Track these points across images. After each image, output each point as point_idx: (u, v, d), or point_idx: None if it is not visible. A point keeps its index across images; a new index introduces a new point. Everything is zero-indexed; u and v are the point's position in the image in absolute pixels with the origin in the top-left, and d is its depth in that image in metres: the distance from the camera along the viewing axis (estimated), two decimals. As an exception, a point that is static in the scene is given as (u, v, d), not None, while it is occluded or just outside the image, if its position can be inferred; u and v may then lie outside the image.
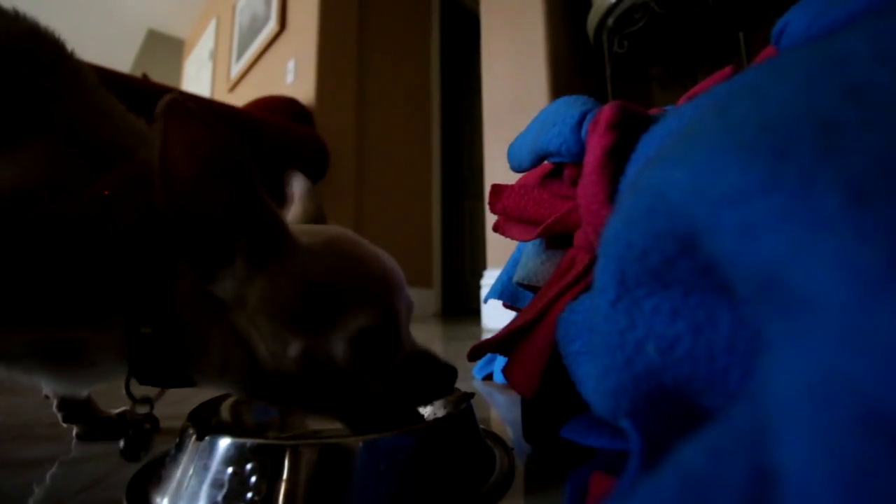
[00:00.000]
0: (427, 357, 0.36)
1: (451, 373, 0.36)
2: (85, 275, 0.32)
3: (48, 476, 0.37)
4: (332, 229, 0.38)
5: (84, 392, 0.38)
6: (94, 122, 0.35)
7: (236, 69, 3.17)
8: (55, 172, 0.32)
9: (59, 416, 0.45)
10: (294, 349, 0.31)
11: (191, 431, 0.30)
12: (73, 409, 0.45)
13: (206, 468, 0.28)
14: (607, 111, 0.33)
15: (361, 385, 0.33)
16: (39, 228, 0.31)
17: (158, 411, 0.49)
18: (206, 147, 0.28)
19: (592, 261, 0.34)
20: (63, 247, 0.31)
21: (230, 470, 0.27)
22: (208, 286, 0.31)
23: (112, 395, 0.64)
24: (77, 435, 0.45)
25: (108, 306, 0.32)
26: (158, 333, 0.32)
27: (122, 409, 0.47)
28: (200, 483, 0.28)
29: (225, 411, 0.39)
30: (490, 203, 0.45)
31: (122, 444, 0.35)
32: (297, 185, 0.45)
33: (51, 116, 0.34)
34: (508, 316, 0.48)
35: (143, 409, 0.36)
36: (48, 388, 0.38)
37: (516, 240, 0.45)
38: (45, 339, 0.33)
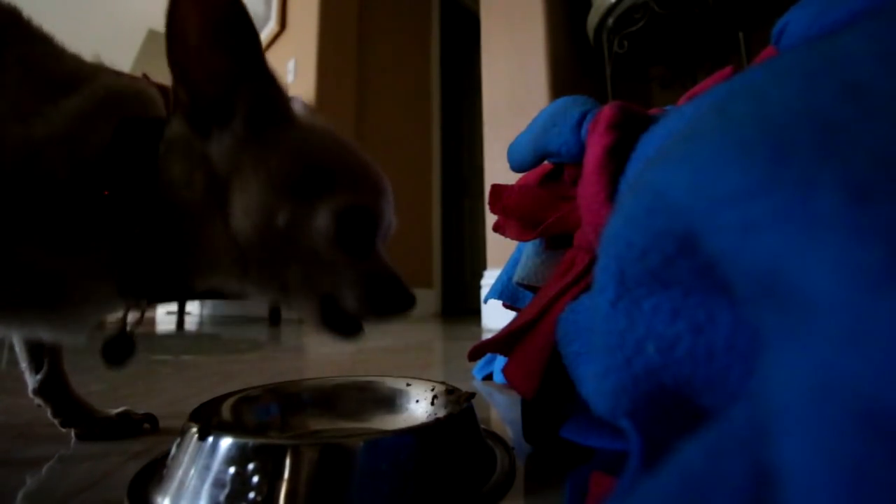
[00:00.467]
0: (394, 277, 0.37)
1: (410, 299, 0.37)
2: (67, 192, 0.32)
3: (49, 475, 0.37)
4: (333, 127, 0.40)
5: (82, 336, 0.38)
6: (48, 60, 0.36)
7: (236, 69, 3.16)
8: (18, 102, 0.33)
9: (57, 422, 0.45)
10: (282, 218, 0.32)
11: (192, 431, 0.30)
12: (69, 413, 0.45)
13: (207, 468, 0.28)
14: (607, 111, 0.33)
15: (336, 269, 0.34)
16: (12, 152, 0.31)
17: (158, 411, 0.49)
18: (219, 9, 0.30)
19: (592, 261, 0.34)
20: (40, 166, 0.31)
21: (232, 470, 0.27)
22: (204, 142, 0.33)
23: (112, 395, 0.64)
24: (77, 435, 0.45)
25: (94, 221, 0.33)
26: (148, 231, 0.33)
27: (122, 409, 0.47)
28: (202, 483, 0.28)
29: (226, 411, 0.39)
30: (490, 203, 0.45)
31: (102, 347, 0.36)
32: (296, 106, 0.48)
33: (2, 60, 0.34)
34: (508, 316, 0.48)
35: (134, 316, 0.36)
36: (49, 337, 0.38)
37: (516, 240, 0.45)
38: (36, 277, 0.33)
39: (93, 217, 0.33)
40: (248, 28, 0.31)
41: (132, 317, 0.37)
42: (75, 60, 0.38)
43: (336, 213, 0.33)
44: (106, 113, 0.34)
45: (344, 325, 0.36)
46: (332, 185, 0.34)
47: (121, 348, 0.36)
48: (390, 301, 0.36)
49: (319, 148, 0.35)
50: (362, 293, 0.35)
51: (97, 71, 0.38)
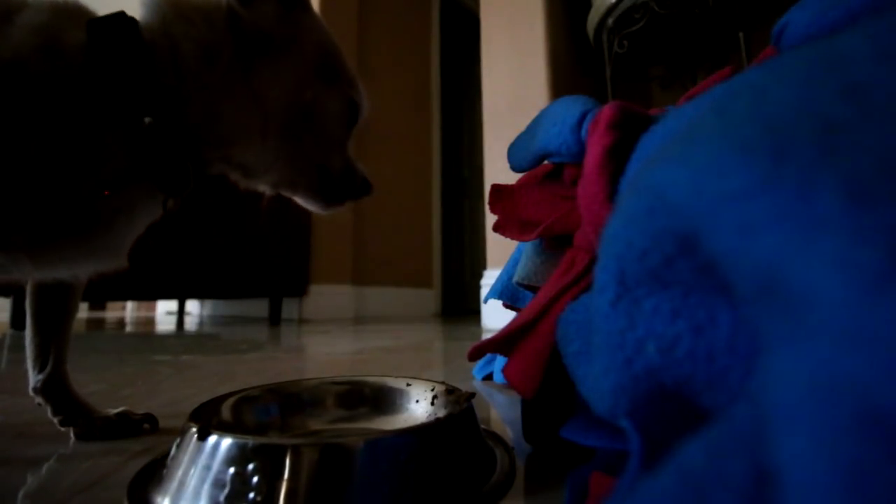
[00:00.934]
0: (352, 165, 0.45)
1: (368, 184, 0.46)
2: (65, 102, 0.32)
3: (48, 475, 0.37)
4: None
5: (123, 259, 0.40)
6: None
7: (236, 69, 3.16)
8: None
9: (56, 420, 0.45)
10: (309, 94, 0.38)
11: (192, 431, 0.30)
12: (69, 412, 0.45)
13: (207, 468, 0.28)
14: (607, 111, 0.33)
15: (334, 145, 0.42)
16: None
17: (158, 411, 0.49)
18: None
19: (592, 261, 0.34)
20: (28, 83, 0.31)
21: (232, 470, 0.27)
22: (247, 11, 0.37)
23: (112, 395, 0.64)
24: (76, 434, 0.45)
25: (101, 124, 0.33)
26: (161, 118, 0.34)
27: (122, 409, 0.47)
28: (202, 483, 0.28)
29: (226, 411, 0.39)
30: (490, 203, 0.45)
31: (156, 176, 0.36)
32: None
33: None
34: (508, 316, 0.48)
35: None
36: (94, 268, 0.39)
37: (516, 240, 0.45)
38: (65, 205, 0.33)
39: (98, 121, 0.33)
40: None
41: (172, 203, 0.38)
42: None
43: (348, 99, 0.40)
44: (65, 19, 0.34)
45: (334, 194, 0.43)
46: (341, 76, 0.40)
47: (175, 175, 0.36)
48: (358, 181, 0.44)
49: (331, 41, 0.41)
50: (345, 166, 0.43)
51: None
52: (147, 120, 0.33)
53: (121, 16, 0.35)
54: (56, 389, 0.46)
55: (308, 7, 0.40)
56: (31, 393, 0.46)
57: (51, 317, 0.46)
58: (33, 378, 0.46)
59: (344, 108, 0.41)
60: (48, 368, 0.46)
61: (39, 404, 0.46)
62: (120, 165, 0.34)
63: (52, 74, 0.31)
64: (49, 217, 0.33)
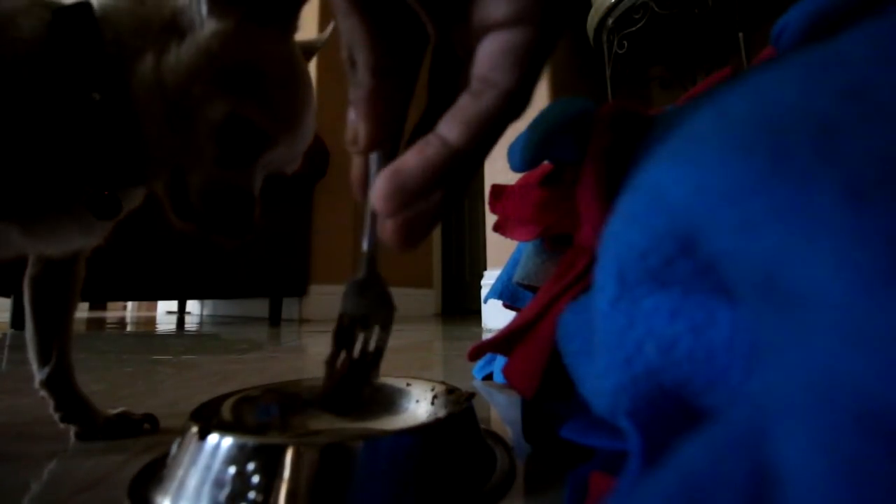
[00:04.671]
0: (245, 199, 0.40)
1: (242, 228, 0.40)
2: (19, 91, 0.33)
3: (49, 475, 0.37)
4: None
5: (104, 232, 0.41)
6: None
7: (236, 69, 3.16)
8: None
9: (57, 416, 0.45)
10: (198, 89, 0.35)
11: (192, 431, 0.30)
12: (71, 408, 0.45)
13: (208, 468, 0.28)
14: (607, 111, 0.33)
15: (201, 158, 0.37)
16: None
17: (158, 411, 0.49)
18: None
19: (592, 261, 0.34)
20: None
21: (232, 470, 0.27)
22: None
23: (112, 395, 0.64)
24: (76, 434, 0.45)
25: (49, 113, 0.34)
26: (108, 98, 0.35)
27: (121, 409, 0.47)
28: (202, 483, 0.28)
29: (226, 411, 0.39)
30: (490, 203, 0.45)
31: (87, 202, 0.37)
32: None
33: None
34: (508, 316, 0.48)
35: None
36: (85, 241, 0.41)
37: (516, 240, 0.45)
38: (44, 183, 0.35)
39: (48, 98, 0.34)
40: None
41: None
42: None
43: (229, 113, 0.36)
44: (34, 7, 0.36)
45: (184, 208, 0.38)
46: (247, 91, 0.36)
47: (109, 203, 0.38)
48: (226, 214, 0.38)
49: (263, 57, 0.37)
50: (204, 189, 0.38)
51: None
52: (96, 96, 0.35)
53: (81, 4, 0.37)
54: (61, 383, 0.46)
55: (283, 27, 0.38)
56: (37, 386, 0.46)
57: (50, 311, 0.47)
58: (38, 372, 0.46)
59: (221, 119, 0.36)
60: (52, 361, 0.46)
61: (44, 398, 0.46)
62: (64, 148, 0.35)
63: (9, 55, 0.33)
64: (36, 192, 0.35)
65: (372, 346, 0.30)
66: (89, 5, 0.37)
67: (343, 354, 0.30)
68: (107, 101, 0.35)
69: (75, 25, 0.35)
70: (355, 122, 0.24)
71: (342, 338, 0.30)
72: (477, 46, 0.20)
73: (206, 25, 0.36)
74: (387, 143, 0.25)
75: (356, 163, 0.27)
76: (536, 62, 0.20)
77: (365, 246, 0.30)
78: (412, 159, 0.21)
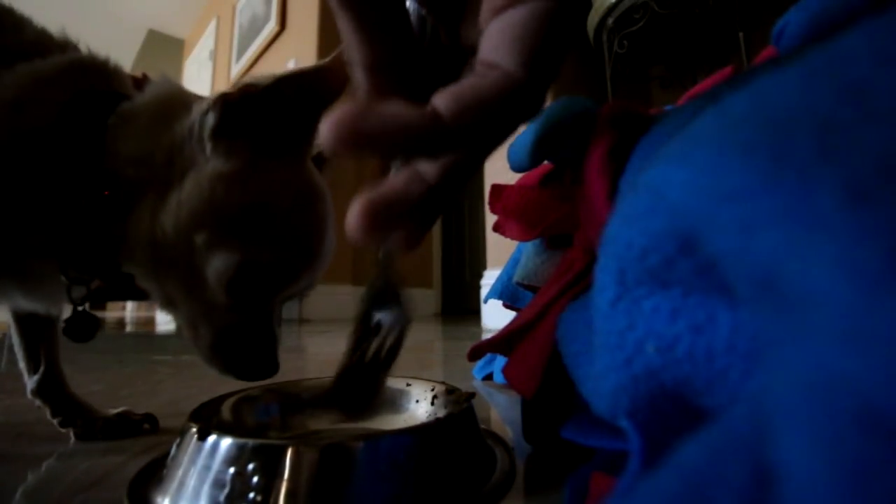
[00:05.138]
0: (268, 341, 0.36)
1: (267, 369, 0.36)
2: (11, 162, 0.32)
3: (48, 475, 0.37)
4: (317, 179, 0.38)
5: (59, 308, 0.39)
6: (5, 26, 0.35)
7: (236, 69, 3.17)
8: None
9: (56, 422, 0.45)
10: (200, 239, 0.31)
11: (192, 431, 0.30)
12: (68, 413, 0.45)
13: (207, 468, 0.28)
14: (607, 111, 0.33)
15: (213, 307, 0.33)
16: None
17: (158, 411, 0.49)
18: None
19: (592, 261, 0.34)
20: None
21: (232, 470, 0.27)
22: (210, 143, 0.32)
23: (112, 395, 0.64)
24: (76, 435, 0.45)
25: (39, 194, 0.32)
26: (90, 204, 0.32)
27: (121, 409, 0.47)
28: (202, 483, 0.28)
29: (226, 411, 0.39)
30: (490, 203, 0.45)
31: (63, 326, 0.36)
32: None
33: None
34: (508, 316, 0.48)
35: (78, 294, 0.36)
36: (30, 307, 0.39)
37: (516, 240, 0.45)
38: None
39: (38, 189, 0.32)
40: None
41: (78, 294, 0.36)
42: (39, 31, 0.37)
43: (238, 262, 0.31)
44: (63, 82, 0.34)
45: (216, 358, 0.35)
46: (258, 235, 0.32)
47: (81, 326, 0.36)
48: (242, 361, 0.35)
49: (273, 194, 0.33)
50: (215, 341, 0.34)
51: (65, 45, 0.37)
52: (80, 202, 0.32)
53: (104, 96, 0.35)
54: (53, 391, 0.46)
55: (289, 160, 0.34)
56: (29, 396, 0.46)
57: (32, 320, 0.46)
58: (29, 381, 0.46)
59: (231, 271, 0.31)
60: (41, 370, 0.46)
61: (38, 406, 0.46)
62: (43, 237, 0.33)
63: (11, 129, 0.32)
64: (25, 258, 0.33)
65: (385, 351, 0.30)
66: (111, 102, 0.34)
67: (355, 356, 0.30)
68: (93, 216, 0.33)
69: (76, 131, 0.33)
70: None
71: (358, 343, 0.29)
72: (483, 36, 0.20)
73: (210, 164, 0.32)
74: None
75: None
76: (545, 45, 0.18)
77: (380, 251, 0.29)
78: (390, 189, 0.21)
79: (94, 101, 0.34)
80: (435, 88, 0.22)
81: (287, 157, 0.34)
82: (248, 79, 0.32)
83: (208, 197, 0.31)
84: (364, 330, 0.29)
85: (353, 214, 0.21)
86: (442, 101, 0.19)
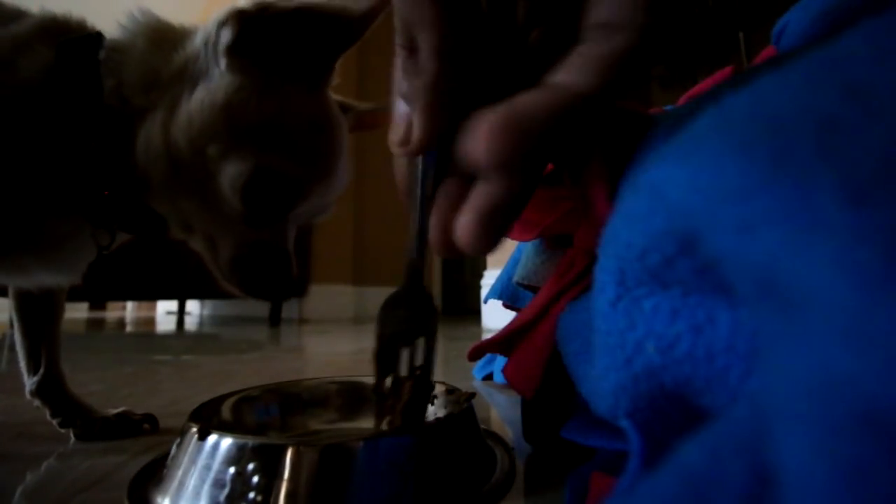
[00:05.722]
0: (282, 257, 0.36)
1: (288, 288, 0.36)
2: (16, 121, 0.32)
3: (48, 475, 0.37)
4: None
5: (77, 277, 0.39)
6: None
7: (236, 69, 3.16)
8: None
9: (55, 422, 0.45)
10: (214, 149, 0.31)
11: (192, 431, 0.30)
12: (68, 414, 0.45)
13: (207, 468, 0.28)
14: (607, 111, 0.33)
15: (228, 221, 0.33)
16: None
17: (158, 411, 0.49)
18: None
19: (592, 261, 0.34)
20: None
21: (232, 470, 0.27)
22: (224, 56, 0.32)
23: (112, 395, 0.64)
24: (76, 435, 0.45)
25: (49, 149, 0.32)
26: (103, 143, 0.32)
27: (121, 409, 0.47)
28: (202, 483, 0.28)
29: (226, 411, 0.39)
30: (490, 203, 0.45)
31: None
32: None
33: None
34: (508, 316, 0.48)
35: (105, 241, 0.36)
36: (49, 280, 0.38)
37: (516, 240, 0.45)
38: (16, 221, 0.33)
39: (44, 143, 0.32)
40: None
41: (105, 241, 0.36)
42: (7, 5, 0.37)
43: (252, 168, 0.31)
44: (44, 37, 0.34)
45: (232, 275, 0.35)
46: (272, 145, 0.32)
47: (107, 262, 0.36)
48: (263, 278, 0.35)
49: (288, 111, 0.33)
50: (234, 255, 0.34)
51: (21, 11, 0.37)
52: (91, 144, 0.33)
53: (89, 38, 0.35)
54: (52, 391, 0.46)
55: (304, 87, 0.34)
56: (28, 396, 0.46)
57: (36, 320, 0.46)
58: (29, 381, 0.46)
59: (246, 176, 0.31)
60: (41, 371, 0.46)
61: (38, 407, 0.46)
62: (62, 193, 0.33)
63: (4, 88, 0.32)
64: (2, 230, 0.33)
65: (419, 360, 0.27)
66: (96, 43, 0.34)
67: (390, 379, 0.27)
68: (104, 155, 0.33)
69: (74, 72, 0.33)
70: (407, 116, 0.21)
71: (385, 360, 0.27)
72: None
73: (225, 78, 0.32)
74: (443, 140, 0.21)
75: (401, 164, 0.24)
76: None
77: (411, 253, 0.26)
78: (531, 100, 0.18)
79: (79, 44, 0.34)
80: (499, 75, 0.21)
81: (303, 84, 0.34)
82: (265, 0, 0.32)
83: (222, 108, 0.32)
84: (390, 344, 0.27)
85: (466, 229, 0.19)
86: (572, 75, 0.18)
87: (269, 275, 0.35)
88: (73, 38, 0.34)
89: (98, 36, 0.35)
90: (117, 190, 0.34)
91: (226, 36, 0.32)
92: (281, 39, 0.32)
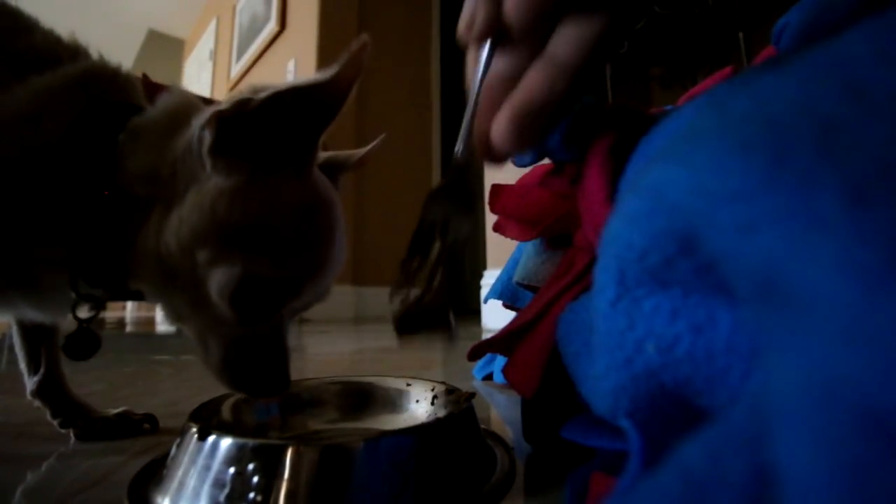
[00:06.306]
0: (278, 354, 0.35)
1: (279, 384, 0.35)
2: (25, 175, 0.32)
3: (48, 475, 0.37)
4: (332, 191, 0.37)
5: (63, 318, 0.38)
6: (17, 33, 0.35)
7: (236, 69, 3.17)
8: None
9: (56, 422, 0.45)
10: (203, 256, 0.31)
11: (192, 431, 0.30)
12: (68, 414, 0.45)
13: (207, 468, 0.28)
14: (609, 110, 0.33)
15: (220, 322, 0.33)
16: None
17: (158, 411, 0.49)
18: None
19: (592, 261, 0.34)
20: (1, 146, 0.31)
21: (232, 470, 0.27)
22: (211, 160, 0.32)
23: (112, 395, 0.64)
24: (76, 435, 0.45)
25: (51, 207, 0.33)
26: (101, 220, 0.33)
27: (122, 409, 0.47)
28: (202, 483, 0.28)
29: (226, 411, 0.39)
30: (490, 203, 0.45)
31: (63, 343, 0.36)
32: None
33: None
34: (508, 316, 0.48)
35: (83, 315, 0.36)
36: (34, 317, 0.39)
37: (516, 240, 0.45)
38: (6, 261, 0.33)
39: (49, 203, 0.33)
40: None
41: (85, 312, 0.36)
42: (49, 37, 0.37)
43: (239, 276, 0.31)
44: (76, 93, 0.34)
45: (224, 375, 0.34)
46: (261, 249, 0.32)
47: (82, 344, 0.36)
48: (255, 375, 0.34)
49: (274, 209, 0.32)
50: (224, 356, 0.33)
51: (76, 51, 0.37)
52: (92, 218, 0.33)
53: (123, 108, 0.35)
54: (53, 392, 0.46)
55: (297, 172, 0.33)
56: (29, 396, 0.46)
57: (35, 322, 0.46)
58: (29, 382, 0.46)
59: (233, 285, 0.31)
60: (42, 371, 0.46)
61: (38, 407, 0.46)
62: (56, 248, 0.33)
63: (20, 145, 0.32)
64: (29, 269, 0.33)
65: (448, 250, 0.29)
66: (121, 117, 0.34)
67: (416, 261, 0.28)
68: (99, 228, 0.33)
69: (86, 147, 0.33)
70: (473, 5, 0.24)
71: (419, 240, 0.29)
72: None
73: (210, 181, 0.32)
74: (503, 32, 0.24)
75: (470, 54, 0.27)
76: None
77: (459, 149, 0.28)
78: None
79: (104, 115, 0.34)
80: None
81: (289, 170, 0.33)
82: (245, 89, 0.31)
83: (209, 213, 0.31)
84: (428, 230, 0.29)
85: (500, 127, 0.22)
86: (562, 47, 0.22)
87: (261, 372, 0.34)
88: (98, 106, 0.34)
89: (126, 109, 0.35)
90: (106, 269, 0.34)
91: (207, 138, 0.31)
92: (262, 130, 0.31)
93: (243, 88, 0.31)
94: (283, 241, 0.32)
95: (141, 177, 0.33)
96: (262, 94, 0.30)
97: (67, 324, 0.38)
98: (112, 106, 0.35)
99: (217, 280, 0.31)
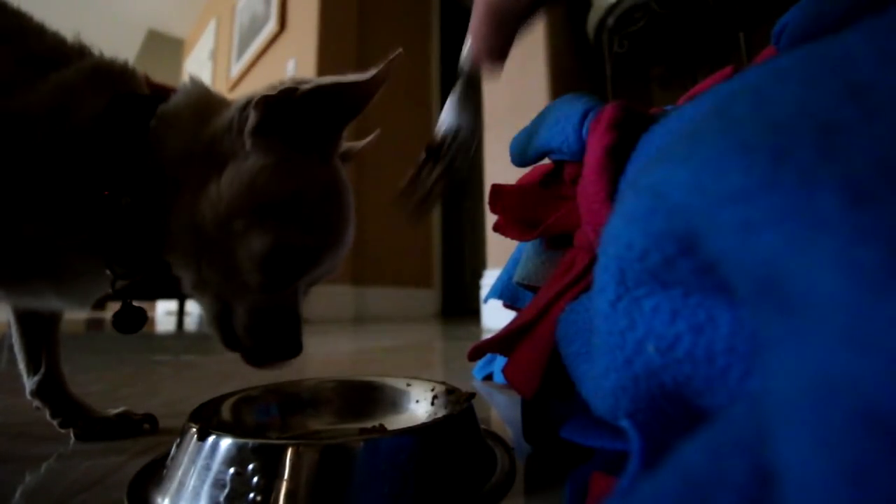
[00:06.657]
0: (293, 321, 0.38)
1: (293, 348, 0.39)
2: (59, 164, 0.34)
3: (48, 475, 0.37)
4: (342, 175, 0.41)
5: (87, 305, 0.41)
6: (29, 34, 0.37)
7: (236, 69, 3.17)
8: (2, 75, 0.34)
9: (55, 422, 0.45)
10: (238, 225, 0.34)
11: (192, 431, 0.30)
12: (68, 414, 0.45)
13: (207, 468, 0.28)
14: (609, 110, 0.33)
15: (246, 287, 0.36)
16: (2, 125, 0.33)
17: (158, 411, 0.49)
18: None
19: (592, 261, 0.34)
20: (33, 137, 0.33)
21: (232, 470, 0.27)
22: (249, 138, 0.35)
23: (112, 395, 0.64)
24: (76, 435, 0.45)
25: (85, 193, 0.35)
26: (137, 202, 0.35)
27: (122, 409, 0.47)
28: (202, 483, 0.28)
29: (226, 411, 0.39)
30: (490, 203, 0.45)
31: (112, 318, 0.39)
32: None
33: None
34: (508, 316, 0.48)
35: (121, 286, 0.38)
36: (59, 306, 0.41)
37: (516, 240, 0.45)
38: (37, 250, 0.35)
39: (83, 188, 0.35)
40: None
41: (121, 286, 0.38)
42: (58, 37, 0.39)
43: (272, 243, 0.34)
44: (96, 87, 0.36)
45: (233, 340, 0.38)
46: (291, 219, 0.35)
47: (130, 318, 0.40)
48: (273, 340, 0.38)
49: (306, 185, 0.36)
50: (250, 322, 0.37)
51: (81, 50, 0.39)
52: (125, 200, 0.35)
53: (143, 99, 0.37)
54: (52, 392, 0.46)
55: (323, 155, 0.38)
56: (28, 396, 0.46)
57: (35, 321, 0.46)
58: (29, 382, 0.46)
59: (266, 250, 0.34)
60: (42, 371, 0.46)
61: (38, 408, 0.46)
62: (88, 234, 0.35)
63: (53, 135, 0.34)
64: (22, 258, 0.35)
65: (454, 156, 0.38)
66: (150, 107, 0.36)
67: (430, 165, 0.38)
68: (135, 209, 0.35)
69: (123, 131, 0.35)
70: None
71: (434, 150, 0.38)
72: None
73: (250, 158, 0.35)
74: None
75: None
76: None
77: (463, 62, 0.37)
78: None
79: (134, 104, 0.37)
80: None
81: (316, 155, 0.37)
82: (287, 81, 0.35)
83: (247, 186, 0.34)
84: (442, 139, 0.38)
85: (474, 26, 0.29)
86: None
87: (281, 339, 0.38)
88: (124, 97, 0.37)
89: (151, 99, 0.38)
90: (142, 248, 0.37)
91: (251, 119, 0.35)
92: (300, 117, 0.36)
93: (286, 81, 0.36)
94: (311, 214, 0.36)
95: (174, 158, 0.36)
96: (307, 86, 0.34)
97: (67, 321, 0.39)
98: (140, 96, 0.38)
99: (252, 247, 0.34)
